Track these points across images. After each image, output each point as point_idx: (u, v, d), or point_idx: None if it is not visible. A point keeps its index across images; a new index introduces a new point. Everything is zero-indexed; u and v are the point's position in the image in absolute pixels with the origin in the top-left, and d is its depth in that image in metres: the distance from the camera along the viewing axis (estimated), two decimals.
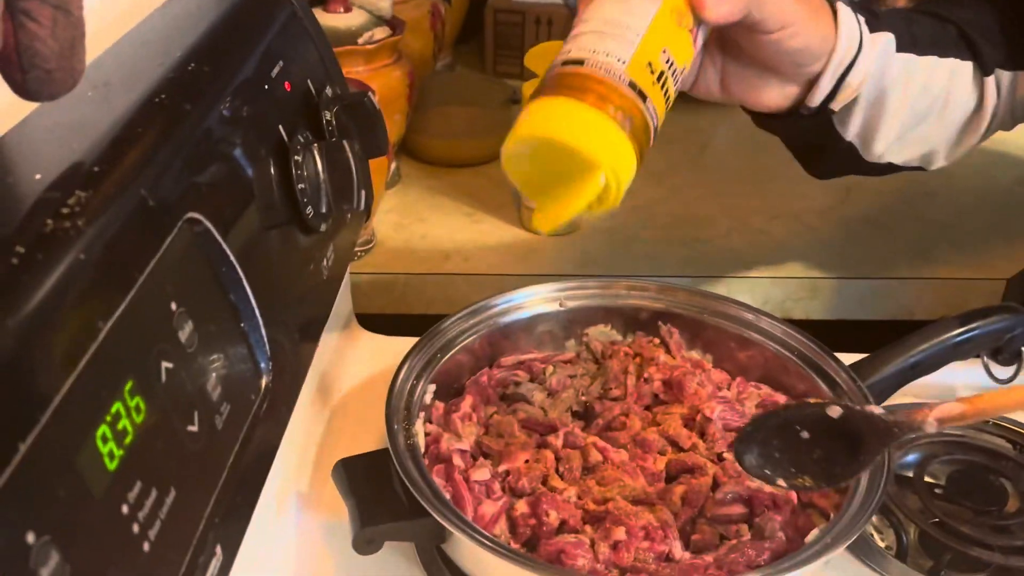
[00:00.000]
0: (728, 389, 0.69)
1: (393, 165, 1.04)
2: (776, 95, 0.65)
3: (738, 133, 1.17)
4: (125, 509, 0.36)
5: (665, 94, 0.52)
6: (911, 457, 0.71)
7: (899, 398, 0.71)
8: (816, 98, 0.65)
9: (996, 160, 1.13)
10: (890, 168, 0.73)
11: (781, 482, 0.56)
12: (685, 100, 1.28)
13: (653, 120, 0.51)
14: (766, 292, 0.91)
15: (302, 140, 0.57)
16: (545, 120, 0.49)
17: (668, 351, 0.72)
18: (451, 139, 1.10)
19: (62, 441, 0.33)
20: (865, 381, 0.66)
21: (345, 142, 0.58)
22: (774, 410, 0.58)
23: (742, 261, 0.93)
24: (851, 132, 0.69)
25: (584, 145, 0.47)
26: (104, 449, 0.36)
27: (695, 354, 0.73)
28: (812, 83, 0.64)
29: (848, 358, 0.68)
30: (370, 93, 0.65)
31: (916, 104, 0.69)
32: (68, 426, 0.34)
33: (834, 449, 0.56)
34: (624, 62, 0.49)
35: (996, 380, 0.74)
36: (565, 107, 0.48)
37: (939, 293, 0.92)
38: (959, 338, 0.69)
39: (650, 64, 0.50)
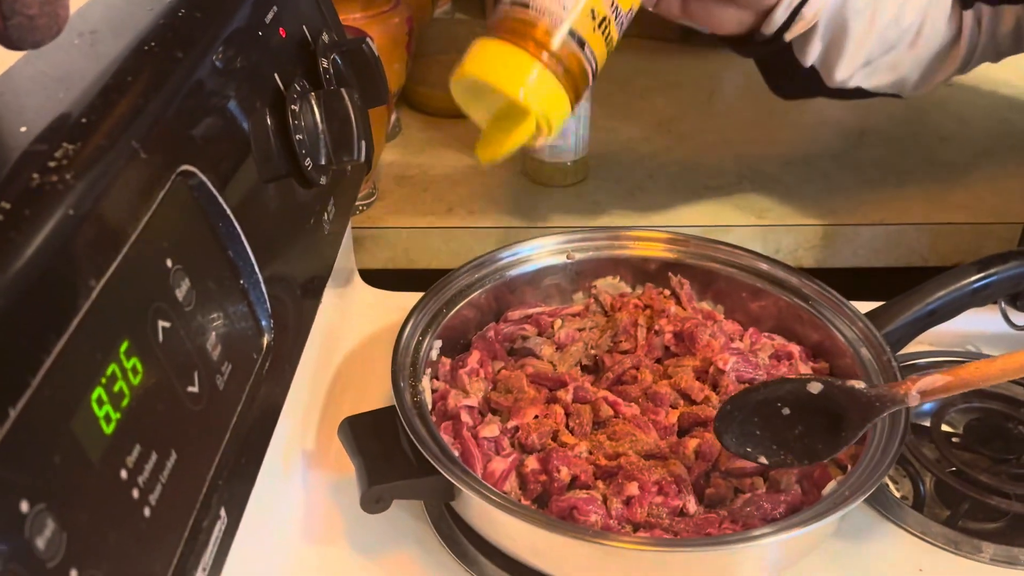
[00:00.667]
0: (741, 340, 0.67)
1: (393, 116, 1.02)
2: (732, 22, 0.67)
3: (748, 78, 1.13)
4: (124, 474, 0.35)
5: (607, 38, 0.55)
6: (928, 406, 0.70)
7: (915, 346, 0.70)
8: (769, 28, 0.66)
9: (1012, 104, 1.10)
10: (860, 93, 0.73)
11: (763, 460, 0.55)
12: (692, 44, 1.25)
13: (591, 65, 0.54)
14: (778, 240, 0.89)
15: (299, 89, 0.55)
16: (485, 62, 0.53)
17: (679, 302, 0.71)
18: None
19: (55, 405, 0.32)
20: (881, 330, 0.64)
21: (344, 90, 0.56)
22: (753, 387, 0.57)
23: (753, 209, 0.91)
24: (810, 59, 0.70)
25: (516, 92, 0.52)
26: (100, 412, 0.34)
27: (706, 305, 0.72)
28: (768, 12, 0.65)
29: (862, 306, 0.67)
30: (368, 39, 0.63)
31: (885, 34, 0.69)
32: (61, 389, 0.32)
33: (816, 425, 0.55)
34: (567, 8, 0.52)
35: (1013, 326, 0.73)
36: (503, 52, 0.52)
37: (954, 239, 0.90)
38: (977, 284, 0.67)
39: (593, 11, 0.53)
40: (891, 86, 0.74)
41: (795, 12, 0.66)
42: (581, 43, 0.53)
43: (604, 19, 0.54)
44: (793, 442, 0.55)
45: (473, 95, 0.55)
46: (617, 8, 0.55)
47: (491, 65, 0.53)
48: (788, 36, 0.67)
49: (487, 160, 0.56)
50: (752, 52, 0.72)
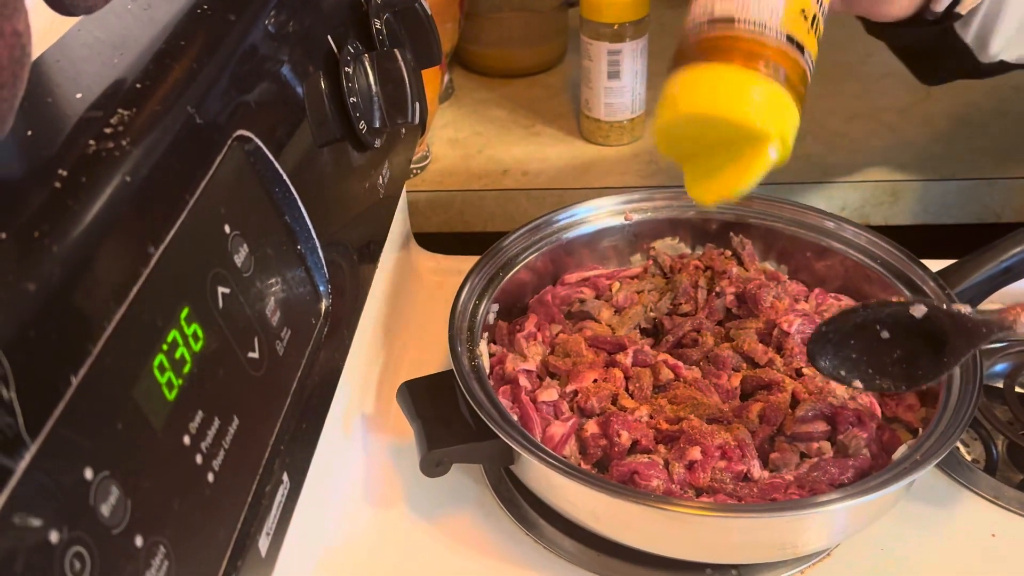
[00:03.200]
0: (806, 301, 0.66)
1: (446, 77, 1.01)
2: (904, 3, 0.61)
3: None
4: (187, 440, 0.35)
5: (818, 36, 0.49)
6: (1000, 367, 0.68)
7: (987, 305, 0.67)
8: (940, 4, 0.61)
9: None
10: (1002, 68, 0.68)
11: (858, 383, 0.54)
12: None
13: (809, 67, 0.48)
14: (844, 197, 0.86)
15: (352, 51, 0.54)
16: (700, 93, 0.45)
17: (740, 263, 0.69)
18: (505, 48, 1.06)
19: (117, 372, 0.32)
20: (954, 288, 0.62)
21: (397, 51, 0.55)
22: (852, 308, 0.55)
23: (818, 165, 0.88)
24: (971, 34, 0.64)
25: (751, 118, 0.44)
26: (162, 379, 0.34)
27: (769, 265, 0.70)
28: None
29: (932, 265, 0.64)
30: None
31: None
32: (123, 357, 0.32)
33: (916, 350, 0.53)
34: (777, 14, 0.45)
35: None
36: (721, 75, 0.44)
37: None
38: None
39: (803, 11, 0.47)
40: None
41: None
42: (800, 48, 0.46)
43: (815, 17, 0.48)
44: (890, 366, 0.54)
45: (680, 134, 0.47)
46: (822, 3, 0.49)
47: (709, 94, 0.45)
48: (963, 9, 0.61)
49: (715, 201, 0.50)
50: (913, 36, 0.66)
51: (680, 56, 0.46)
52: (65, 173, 0.33)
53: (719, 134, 0.45)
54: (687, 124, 0.46)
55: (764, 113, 0.44)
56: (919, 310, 0.53)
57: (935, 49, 0.66)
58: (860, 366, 0.54)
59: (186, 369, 0.36)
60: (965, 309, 0.52)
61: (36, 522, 0.27)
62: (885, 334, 0.54)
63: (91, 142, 0.35)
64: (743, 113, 0.44)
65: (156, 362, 0.34)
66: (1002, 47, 0.66)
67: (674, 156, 0.49)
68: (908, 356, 0.53)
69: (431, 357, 0.69)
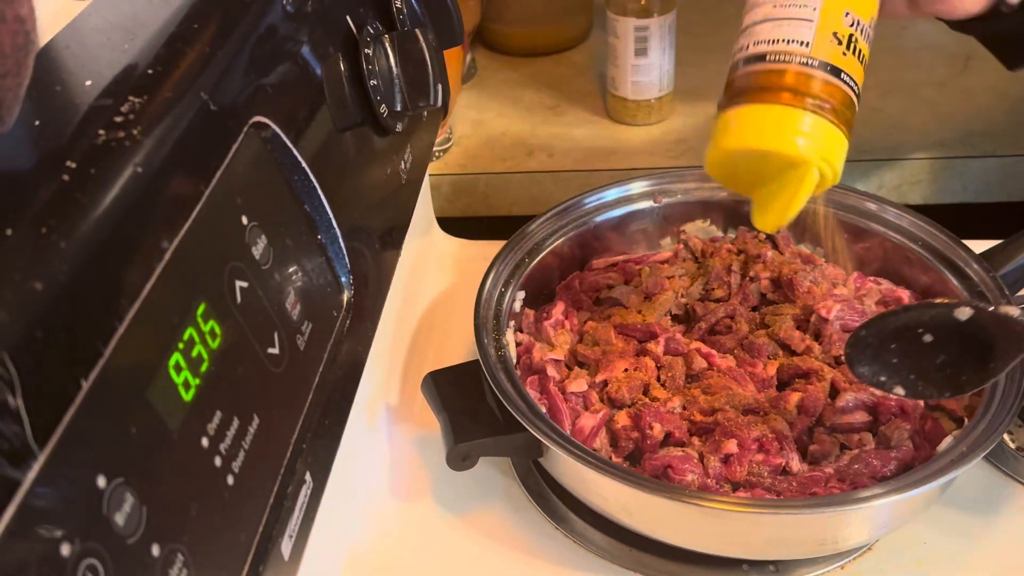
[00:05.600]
0: (844, 285, 0.63)
1: (468, 57, 0.99)
2: (972, 1, 0.58)
3: None
4: (205, 442, 0.34)
5: (859, 56, 0.50)
6: None
7: None
8: None
9: None
10: None
11: (899, 390, 0.51)
12: None
13: (853, 88, 0.50)
14: (881, 176, 0.84)
15: (372, 32, 0.53)
16: (746, 131, 0.49)
17: (775, 246, 0.67)
18: (528, 25, 1.03)
19: (131, 374, 0.30)
20: (999, 270, 0.60)
21: (418, 31, 0.53)
22: (892, 311, 0.52)
23: (853, 143, 0.84)
24: None
25: (794, 149, 0.48)
26: (178, 379, 0.33)
27: (805, 248, 0.68)
28: None
29: (975, 245, 0.62)
30: None
31: None
32: (136, 357, 0.31)
33: (961, 354, 0.51)
34: (807, 44, 0.48)
35: None
36: (762, 114, 0.48)
37: None
38: None
39: (835, 35, 0.49)
40: None
41: None
42: (836, 72, 0.48)
43: (850, 38, 0.49)
44: (933, 372, 0.51)
45: (733, 168, 0.51)
46: (859, 23, 0.50)
47: (756, 131, 0.49)
48: None
49: (774, 228, 0.53)
50: (995, 27, 0.61)
51: (728, 90, 0.50)
52: (74, 165, 0.32)
53: (769, 164, 0.49)
54: (738, 159, 0.50)
55: (810, 144, 0.48)
56: (964, 312, 0.50)
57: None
58: (902, 372, 0.51)
59: (203, 368, 0.34)
60: (1014, 311, 0.49)
61: (47, 534, 0.26)
62: (928, 338, 0.51)
63: (100, 131, 0.34)
64: (790, 147, 0.48)
65: (172, 361, 0.33)
66: None
67: (729, 186, 0.54)
68: (952, 361, 0.51)
69: (456, 346, 0.67)
